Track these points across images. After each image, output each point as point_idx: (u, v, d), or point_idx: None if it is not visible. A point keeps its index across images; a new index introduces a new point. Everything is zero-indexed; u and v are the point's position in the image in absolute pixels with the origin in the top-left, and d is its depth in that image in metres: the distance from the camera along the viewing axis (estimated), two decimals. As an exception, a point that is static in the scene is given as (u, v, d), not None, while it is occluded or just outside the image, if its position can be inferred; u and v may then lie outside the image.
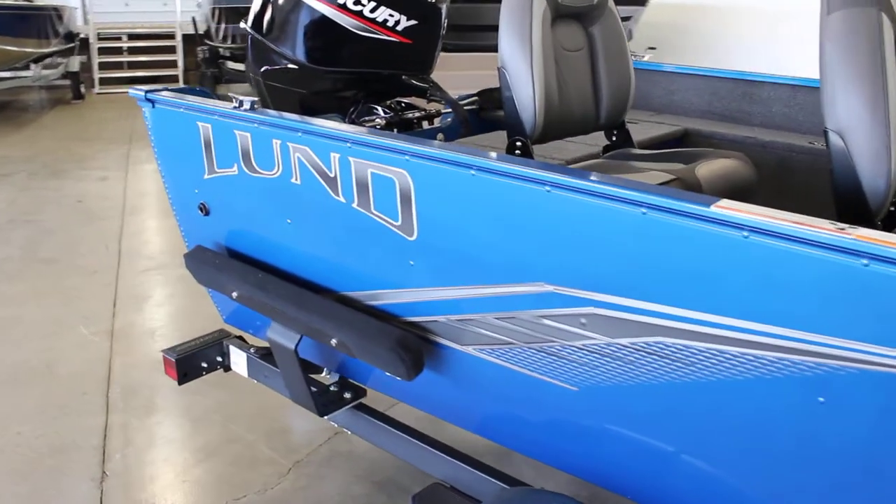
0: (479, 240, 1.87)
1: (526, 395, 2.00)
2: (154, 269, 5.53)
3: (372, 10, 3.28)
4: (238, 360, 2.92)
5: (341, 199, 2.12)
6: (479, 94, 4.02)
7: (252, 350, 2.88)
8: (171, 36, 13.16)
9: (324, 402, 2.49)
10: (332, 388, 2.57)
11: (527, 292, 1.83)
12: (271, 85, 3.57)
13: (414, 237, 1.99)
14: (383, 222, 2.04)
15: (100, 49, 12.78)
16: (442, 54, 3.76)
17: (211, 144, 2.48)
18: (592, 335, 1.77)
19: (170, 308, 4.90)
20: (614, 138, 2.90)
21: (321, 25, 3.33)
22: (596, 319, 1.74)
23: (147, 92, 2.64)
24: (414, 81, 3.56)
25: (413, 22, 3.34)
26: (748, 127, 3.70)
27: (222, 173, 2.48)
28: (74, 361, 4.22)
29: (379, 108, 3.55)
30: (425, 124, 3.73)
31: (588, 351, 1.80)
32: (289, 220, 2.33)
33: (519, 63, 2.32)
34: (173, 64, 13.05)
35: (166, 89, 2.70)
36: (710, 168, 2.41)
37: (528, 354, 1.92)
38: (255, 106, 2.31)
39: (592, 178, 1.63)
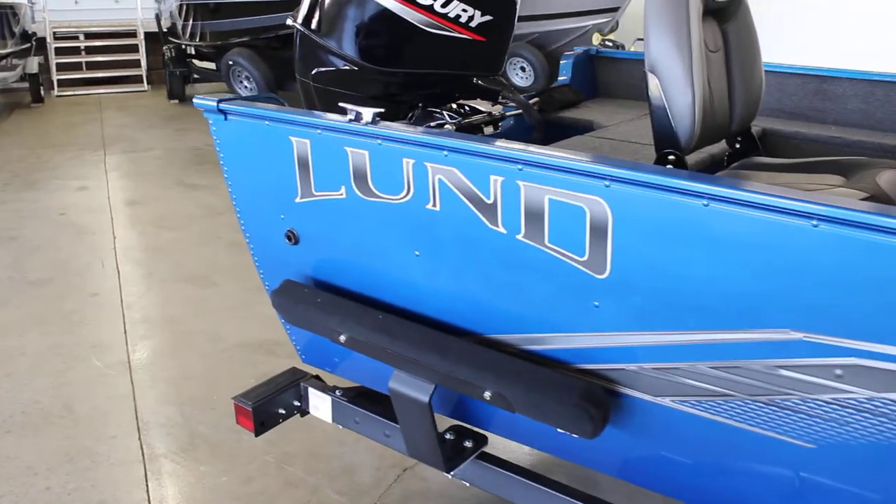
0: (703, 280, 1.57)
1: (739, 452, 1.71)
2: (159, 288, 5.10)
3: (444, 5, 2.95)
4: (319, 403, 2.58)
5: (500, 229, 1.80)
6: (538, 94, 3.71)
7: (338, 392, 2.54)
8: (132, 34, 12.52)
9: (448, 455, 2.16)
10: (448, 437, 2.25)
11: (763, 340, 1.54)
12: (322, 88, 3.22)
13: (605, 275, 1.68)
14: (561, 257, 1.73)
15: (56, 49, 12.09)
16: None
17: (308, 163, 2.12)
18: (849, 388, 1.49)
19: (188, 334, 4.49)
20: (738, 146, 2.62)
21: (386, 22, 2.99)
22: (857, 371, 1.47)
23: (220, 101, 2.27)
24: (483, 83, 3.25)
25: (487, 17, 3.03)
26: (823, 125, 3.46)
27: (323, 196, 2.13)
28: (94, 399, 3.80)
29: (444, 113, 3.21)
30: (488, 130, 3.42)
31: (839, 405, 1.52)
32: (417, 252, 2.00)
33: (675, 66, 2.01)
34: (136, 63, 12.42)
35: (239, 98, 2.34)
36: (886, 180, 2.15)
37: (749, 408, 1.64)
38: (377, 119, 1.97)
39: (881, 211, 1.34)
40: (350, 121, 1.98)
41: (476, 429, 2.28)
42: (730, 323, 1.57)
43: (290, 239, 2.28)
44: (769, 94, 3.78)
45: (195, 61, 11.59)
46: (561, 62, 4.10)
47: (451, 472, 2.18)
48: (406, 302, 2.10)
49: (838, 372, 1.49)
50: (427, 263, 1.99)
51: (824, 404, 1.54)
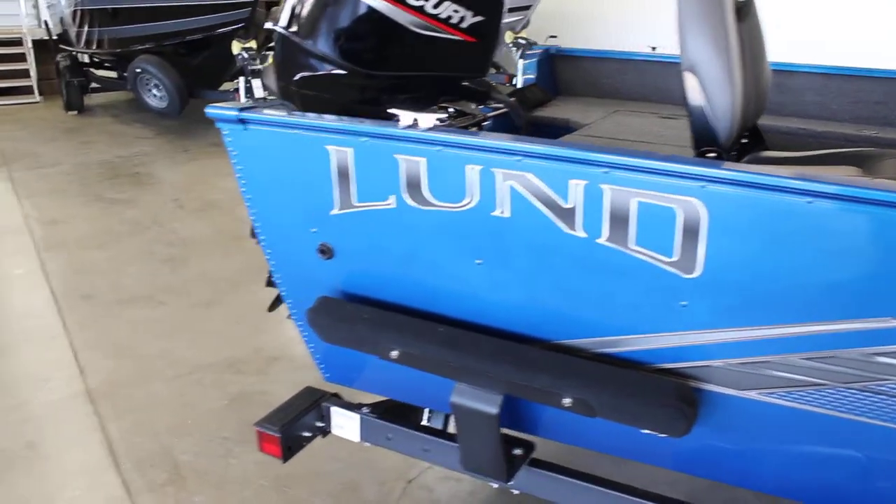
0: (802, 275, 1.59)
1: (828, 438, 1.75)
2: (102, 312, 4.80)
3: (435, 6, 2.89)
4: (345, 422, 2.49)
5: (579, 233, 1.77)
6: (513, 94, 3.70)
7: (366, 409, 2.45)
8: (17, 42, 11.74)
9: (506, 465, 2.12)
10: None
11: (863, 329, 1.57)
12: (307, 94, 3.11)
13: (695, 274, 1.68)
14: (647, 259, 1.71)
15: (-66, 60, 11.19)
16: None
17: (349, 173, 2.03)
18: (948, 369, 1.54)
19: (145, 358, 4.24)
20: (745, 141, 2.68)
21: (376, 24, 2.90)
22: (961, 351, 1.52)
23: (242, 110, 2.14)
24: (471, 84, 3.21)
25: (479, 18, 2.99)
26: (783, 118, 3.61)
27: (366, 207, 2.05)
28: (58, 435, 3.55)
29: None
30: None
31: None
32: (479, 261, 1.94)
33: (716, 65, 2.03)
34: (24, 73, 11.64)
35: (256, 107, 2.21)
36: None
37: (842, 395, 1.67)
38: (436, 125, 1.90)
39: None
40: (407, 127, 1.91)
41: (521, 435, 2.24)
42: (828, 315, 1.59)
43: (323, 253, 2.18)
44: None
45: (93, 70, 11.00)
46: (525, 61, 4.11)
47: (510, 483, 2.14)
48: (463, 313, 2.04)
49: None
50: (490, 272, 1.94)
51: (921, 386, 1.59)
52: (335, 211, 2.10)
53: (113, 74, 10.77)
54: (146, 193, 7.21)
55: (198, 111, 10.72)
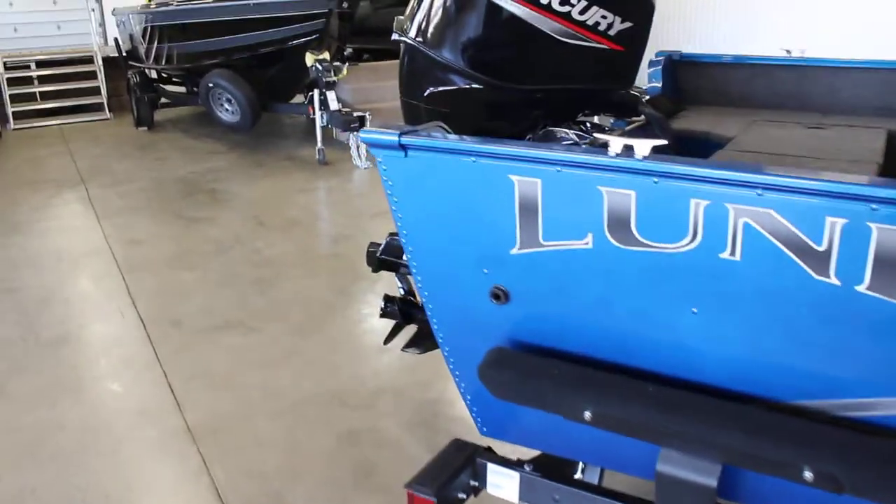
0: None
1: None
2: (193, 339, 4.61)
3: (582, 12, 2.64)
4: (502, 481, 2.21)
5: (832, 280, 1.47)
6: (649, 101, 3.41)
7: (529, 467, 2.18)
8: (88, 60, 11.80)
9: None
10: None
11: None
12: (434, 110, 2.87)
13: None
14: None
15: (8, 80, 11.28)
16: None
17: (537, 207, 1.76)
18: None
19: (245, 390, 4.03)
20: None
21: (517, 32, 2.66)
22: None
23: (402, 134, 1.88)
24: (617, 97, 2.95)
25: (628, 25, 2.72)
26: None
27: (555, 247, 1.77)
28: (162, 476, 3.35)
29: (570, 132, 2.88)
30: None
31: None
32: (695, 310, 1.66)
33: None
34: (95, 91, 11.70)
35: (414, 131, 1.95)
36: None
37: None
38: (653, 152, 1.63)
39: None
40: (617, 155, 1.63)
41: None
42: None
43: (497, 298, 1.91)
44: (870, 92, 3.57)
45: (162, 86, 11.00)
46: (649, 70, 3.81)
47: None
48: (668, 367, 1.75)
49: None
50: (709, 322, 1.65)
51: None
52: (515, 250, 1.83)
53: (182, 89, 10.76)
54: (225, 211, 7.06)
55: (268, 125, 10.59)
